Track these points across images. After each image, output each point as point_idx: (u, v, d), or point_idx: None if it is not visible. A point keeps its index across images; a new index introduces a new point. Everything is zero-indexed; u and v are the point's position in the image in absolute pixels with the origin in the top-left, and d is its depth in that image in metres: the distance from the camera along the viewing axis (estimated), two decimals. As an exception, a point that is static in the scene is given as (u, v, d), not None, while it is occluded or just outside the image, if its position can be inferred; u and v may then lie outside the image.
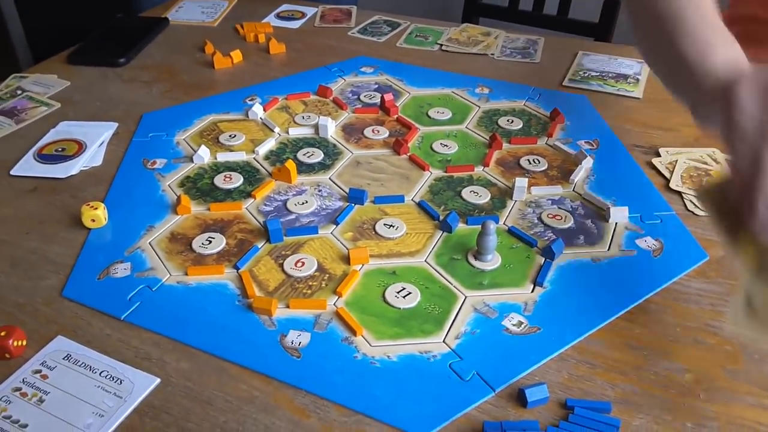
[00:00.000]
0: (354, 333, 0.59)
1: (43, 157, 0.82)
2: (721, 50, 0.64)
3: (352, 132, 0.90)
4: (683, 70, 0.65)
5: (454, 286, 0.65)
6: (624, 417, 0.53)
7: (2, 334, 0.56)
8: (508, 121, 0.93)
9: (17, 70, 1.02)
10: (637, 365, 0.58)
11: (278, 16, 1.24)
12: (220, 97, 0.97)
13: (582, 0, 1.74)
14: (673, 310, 0.63)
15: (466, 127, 0.91)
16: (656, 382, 0.56)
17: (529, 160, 0.84)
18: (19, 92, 0.97)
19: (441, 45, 1.15)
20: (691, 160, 0.85)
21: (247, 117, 0.92)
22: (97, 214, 0.69)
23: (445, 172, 0.82)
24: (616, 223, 0.73)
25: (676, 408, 0.54)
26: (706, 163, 0.84)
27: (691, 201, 0.78)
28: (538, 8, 1.77)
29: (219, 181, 0.78)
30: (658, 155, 0.86)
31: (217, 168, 0.81)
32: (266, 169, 0.81)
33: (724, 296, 0.65)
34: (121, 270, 0.65)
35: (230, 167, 0.81)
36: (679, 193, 0.79)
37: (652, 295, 0.65)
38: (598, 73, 1.06)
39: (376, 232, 0.71)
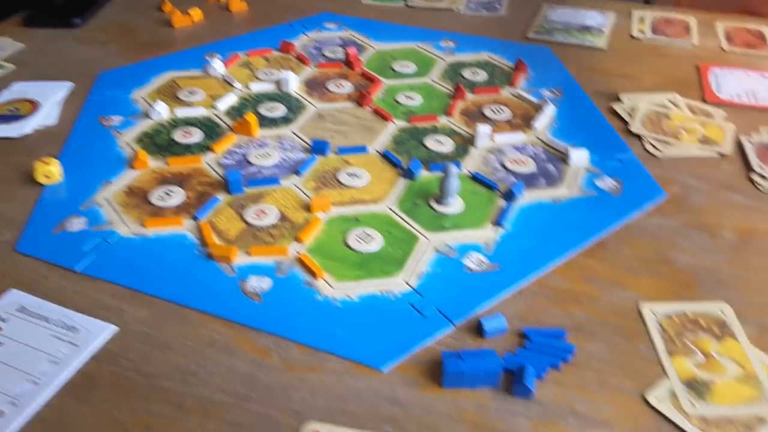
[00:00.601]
0: (315, 276, 0.59)
1: (-3, 118, 0.80)
2: None
3: (315, 86, 0.89)
4: None
5: (417, 230, 0.65)
6: (579, 343, 0.54)
7: (-45, 287, 0.55)
8: (472, 73, 0.92)
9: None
10: (593, 296, 0.59)
11: (239, -25, 1.21)
12: (179, 55, 0.95)
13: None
14: (630, 245, 0.64)
15: (430, 80, 0.91)
16: (611, 310, 0.57)
17: (492, 109, 0.84)
18: (-29, 56, 0.95)
19: (406, 1, 1.14)
20: (651, 105, 0.85)
21: (207, 74, 0.90)
22: (50, 170, 0.68)
23: (409, 122, 0.82)
24: (576, 166, 0.74)
25: (629, 333, 0.55)
26: (665, 107, 0.85)
27: (650, 143, 0.79)
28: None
29: (178, 136, 0.77)
30: (620, 101, 0.86)
31: (176, 123, 0.80)
32: (227, 124, 0.80)
33: (680, 230, 0.66)
34: (77, 224, 0.64)
35: (189, 122, 0.80)
36: (639, 137, 0.80)
37: (610, 232, 0.66)
38: (562, 25, 1.06)
39: (338, 182, 0.71)
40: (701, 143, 0.79)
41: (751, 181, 0.74)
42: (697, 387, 0.51)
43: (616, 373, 0.52)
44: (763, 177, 0.74)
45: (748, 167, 0.75)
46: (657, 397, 0.51)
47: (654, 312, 0.57)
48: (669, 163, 0.76)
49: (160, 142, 0.77)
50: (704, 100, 0.87)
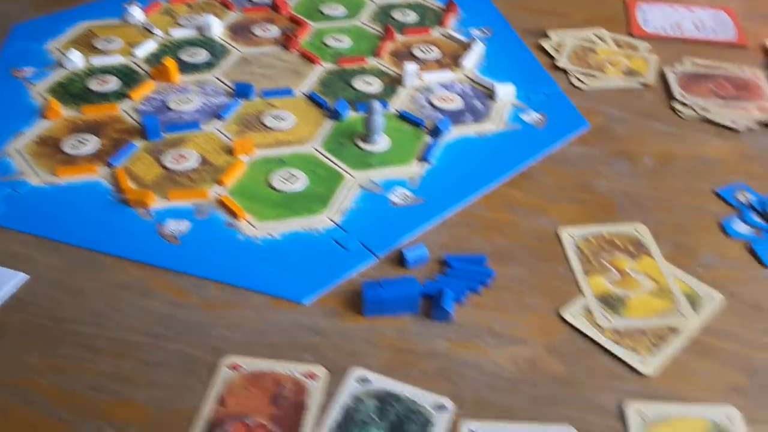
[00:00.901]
0: (237, 217, 0.58)
1: None
2: None
3: (240, 31, 0.86)
4: None
5: (342, 169, 0.65)
6: (499, 268, 0.55)
7: None
8: (402, 14, 0.91)
9: None
10: (515, 223, 0.60)
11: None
12: (96, 5, 0.91)
13: None
14: (553, 174, 0.65)
15: (359, 22, 0.89)
16: (531, 236, 0.58)
17: (421, 49, 0.83)
18: None
19: (335, -54, 1.11)
20: (578, 40, 0.86)
21: (126, 22, 0.87)
22: (-44, 123, 0.65)
23: (337, 64, 0.80)
24: (502, 101, 0.74)
25: (548, 256, 0.56)
26: (592, 42, 0.86)
27: (576, 77, 0.79)
28: None
29: (93, 84, 0.74)
30: (547, 37, 0.86)
31: (92, 72, 0.77)
32: (145, 71, 0.78)
33: (602, 159, 0.67)
34: (-13, 176, 0.62)
35: (106, 71, 0.77)
36: (565, 71, 0.80)
37: (534, 162, 0.66)
38: (493, -34, 1.05)
39: (263, 125, 0.70)
40: (626, 75, 0.80)
41: (673, 109, 0.75)
42: (611, 302, 0.53)
43: (533, 294, 0.53)
44: (684, 105, 0.75)
45: (670, 96, 0.77)
46: (572, 313, 0.52)
47: (572, 235, 0.59)
48: (593, 96, 0.77)
49: (74, 91, 0.74)
50: (631, 34, 0.88)
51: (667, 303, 0.53)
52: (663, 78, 0.80)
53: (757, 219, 0.61)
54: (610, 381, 0.47)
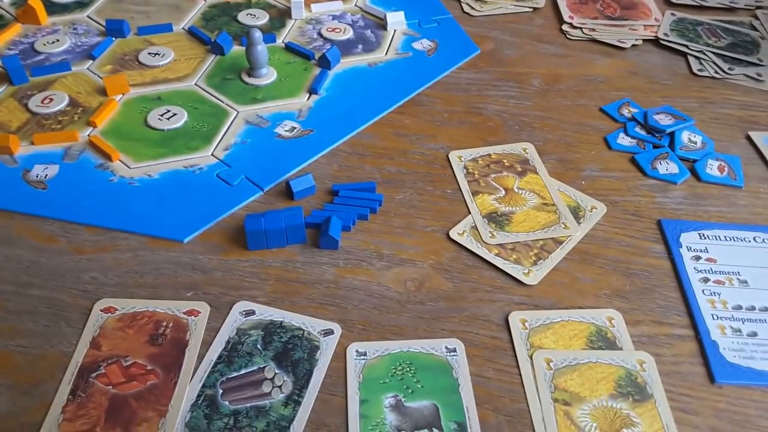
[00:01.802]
0: (110, 159, 0.55)
1: None
2: None
3: (114, -32, 0.80)
4: None
5: (226, 104, 0.62)
6: (388, 193, 0.54)
7: None
8: (291, -53, 0.87)
9: None
10: (404, 149, 0.59)
11: None
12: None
13: None
14: (443, 99, 0.65)
15: (245, -44, 0.85)
16: (421, 161, 0.58)
17: (310, -19, 0.80)
18: None
19: None
20: (469, -34, 0.84)
21: (-15, -38, 0.80)
22: None
23: (221, -1, 0.76)
24: (394, 30, 0.73)
25: (437, 179, 0.56)
26: (483, -33, 0.85)
27: (467, 3, 0.78)
28: None
29: (-51, 29, 0.68)
30: (440, -36, 0.85)
31: (-53, 17, 0.70)
32: (11, 14, 0.71)
33: (491, 83, 0.67)
34: None
35: (-37, 14, 0.71)
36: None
37: (424, 89, 0.66)
38: None
39: (139, 62, 0.66)
40: (516, 0, 0.80)
41: (562, 31, 0.75)
42: (497, 219, 0.53)
43: (422, 216, 0.53)
44: (572, 26, 0.76)
45: (560, 19, 0.77)
46: (459, 231, 0.52)
47: (460, 157, 0.59)
48: (485, 21, 0.76)
49: (-75, 38, 0.67)
50: (522, -41, 0.87)
51: (552, 216, 0.54)
52: (553, 1, 0.80)
53: (640, 131, 0.62)
54: (496, 294, 0.48)
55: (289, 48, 0.69)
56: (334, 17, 0.75)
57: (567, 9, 0.78)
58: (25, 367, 0.41)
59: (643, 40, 0.74)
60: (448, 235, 0.52)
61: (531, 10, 0.78)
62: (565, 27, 0.76)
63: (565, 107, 0.65)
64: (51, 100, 0.60)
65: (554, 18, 0.78)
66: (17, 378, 0.41)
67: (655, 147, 0.61)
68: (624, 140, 0.61)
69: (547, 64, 0.70)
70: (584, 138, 0.62)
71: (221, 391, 0.41)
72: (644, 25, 0.76)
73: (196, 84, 0.64)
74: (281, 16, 0.74)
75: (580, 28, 0.75)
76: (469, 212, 0.54)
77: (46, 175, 0.53)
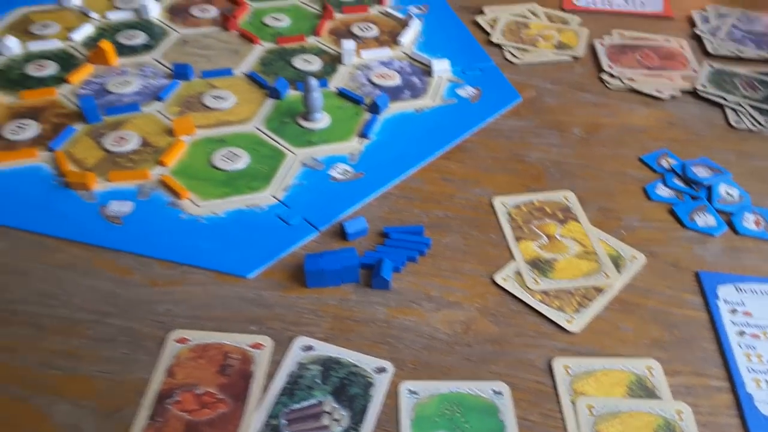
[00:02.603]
0: (179, 197, 0.59)
1: None
2: None
3: (179, 12, 0.86)
4: None
5: (284, 146, 0.66)
6: (435, 237, 0.58)
7: None
8: (342, -7, 0.92)
9: None
10: (450, 194, 0.62)
11: None
12: (29, -11, 0.90)
13: None
14: (487, 146, 0.68)
15: (298, 1, 0.90)
16: (466, 206, 0.61)
17: (360, 27, 0.85)
18: None
19: (275, -76, 1.10)
20: (511, 16, 0.88)
21: (62, 6, 0.86)
22: None
23: (276, 43, 0.81)
24: (439, 77, 0.77)
25: (482, 224, 0.59)
26: (525, 17, 0.88)
27: (509, 51, 0.82)
28: None
29: (31, 70, 0.73)
30: (483, 14, 0.89)
31: (29, 58, 0.76)
32: (83, 55, 0.77)
33: (533, 130, 0.71)
34: None
35: (43, 56, 0.76)
36: (499, 46, 0.83)
37: (468, 136, 0.69)
38: (432, -57, 1.06)
39: (203, 105, 0.71)
40: (557, 49, 0.83)
41: (601, 80, 0.79)
42: (540, 266, 0.56)
43: (468, 260, 0.56)
44: (611, 75, 0.79)
45: (599, 68, 0.80)
46: (503, 277, 0.55)
47: (504, 204, 0.62)
48: (526, 69, 0.80)
49: (12, 77, 0.73)
50: (562, 8, 0.91)
51: (593, 264, 0.56)
52: (593, 50, 0.83)
53: (679, 183, 0.65)
54: (540, 339, 0.50)
55: (341, 93, 0.73)
56: (383, 63, 0.79)
57: (606, 58, 0.81)
58: (106, 391, 0.45)
59: (681, 90, 0.77)
60: (493, 279, 0.55)
61: (571, 59, 0.82)
62: (604, 76, 0.79)
63: (604, 156, 0.68)
64: (123, 139, 0.65)
65: (594, 67, 0.81)
66: (100, 402, 0.44)
67: (693, 199, 0.63)
68: (663, 191, 0.64)
69: (587, 113, 0.74)
70: (624, 187, 0.64)
71: (285, 422, 0.44)
72: (682, 76, 0.79)
73: (255, 127, 0.68)
74: (333, 62, 0.79)
75: (619, 77, 0.78)
76: (513, 258, 0.57)
77: (122, 211, 0.58)
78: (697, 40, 0.86)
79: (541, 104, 0.74)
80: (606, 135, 0.71)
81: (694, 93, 0.77)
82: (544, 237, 0.59)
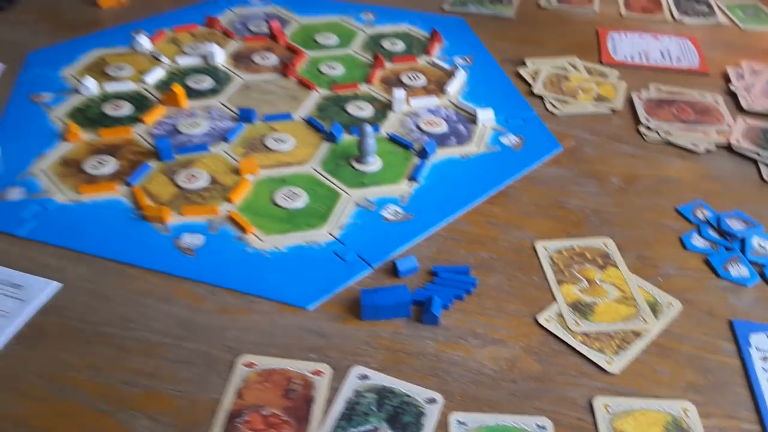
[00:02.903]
0: (245, 232, 0.65)
1: (-76, 98, 0.81)
2: None
3: (242, 59, 0.93)
4: None
5: (339, 187, 0.71)
6: (481, 277, 0.62)
7: None
8: (391, 43, 0.98)
9: None
10: (495, 237, 0.66)
11: (163, -46, 1.23)
12: (106, 33, 0.97)
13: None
14: (529, 192, 0.72)
15: (352, 51, 0.96)
16: (510, 248, 0.65)
17: (409, 76, 0.91)
18: None
19: (328, -24, 1.18)
20: (552, 68, 0.93)
21: (135, 50, 0.93)
22: (-16, 145, 0.71)
23: (331, 90, 0.87)
24: (483, 125, 0.81)
25: (525, 267, 0.63)
26: (565, 70, 0.93)
27: (550, 102, 0.87)
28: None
29: (108, 109, 0.80)
30: (525, 65, 0.94)
31: (105, 98, 0.83)
32: (155, 97, 0.84)
33: (573, 178, 0.75)
34: (15, 194, 0.68)
35: (119, 96, 0.83)
36: (541, 97, 0.88)
37: (512, 182, 0.73)
38: (476, -3, 1.13)
39: (266, 147, 0.76)
40: (596, 101, 0.87)
41: (639, 132, 0.83)
42: (581, 308, 0.60)
43: (512, 300, 0.60)
44: (648, 128, 0.83)
45: (637, 120, 0.84)
46: (546, 318, 0.59)
47: (546, 248, 0.66)
48: (566, 120, 0.84)
49: (91, 116, 0.80)
50: (601, 62, 0.96)
51: (631, 309, 0.60)
52: (630, 103, 0.88)
53: (713, 234, 0.68)
54: (581, 378, 0.53)
55: (392, 138, 0.79)
56: (430, 111, 0.84)
57: (644, 112, 0.86)
58: (182, 409, 0.49)
59: (716, 145, 0.80)
60: (536, 319, 0.58)
61: (610, 111, 0.86)
62: (641, 128, 0.83)
63: (642, 205, 0.71)
64: (194, 177, 0.70)
65: (631, 119, 0.85)
66: (177, 419, 0.49)
67: (727, 250, 0.66)
68: (698, 241, 0.67)
69: (625, 164, 0.77)
70: (661, 236, 0.68)
71: (344, 444, 0.48)
72: (717, 131, 0.83)
73: (313, 168, 0.73)
74: (384, 109, 0.84)
75: (656, 130, 0.82)
76: (555, 300, 0.60)
77: (194, 243, 0.63)
78: (732, 96, 0.90)
79: (581, 154, 0.78)
80: (643, 185, 0.74)
81: (728, 147, 0.80)
82: (585, 281, 0.62)
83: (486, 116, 0.82)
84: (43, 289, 0.57)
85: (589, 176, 0.75)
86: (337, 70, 0.91)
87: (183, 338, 0.55)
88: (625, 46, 1.00)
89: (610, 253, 0.65)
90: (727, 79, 0.93)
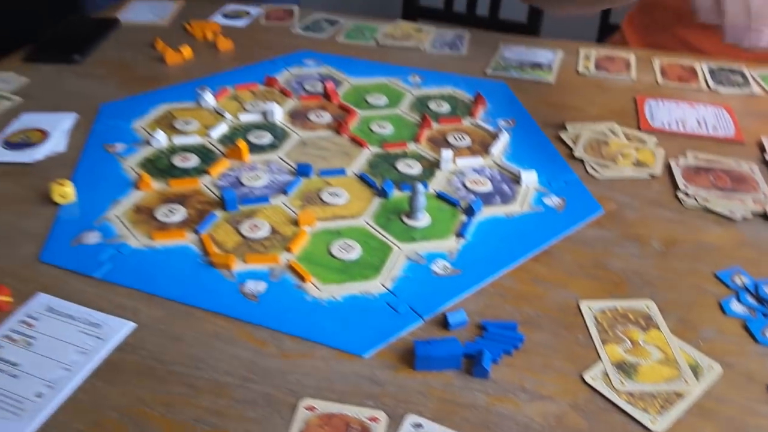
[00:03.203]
0: (304, 280, 0.69)
1: (10, 145, 0.88)
2: None
3: (298, 116, 0.99)
4: None
5: (390, 241, 0.75)
6: (528, 333, 0.64)
7: (-12, 291, 0.63)
8: (437, 105, 1.04)
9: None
10: (540, 295, 0.69)
11: (225, 15, 1.32)
12: (173, 89, 1.05)
13: (512, 1, 1.88)
14: (572, 253, 0.75)
15: (400, 111, 1.02)
16: (554, 306, 0.68)
17: (455, 136, 0.96)
18: (-22, 89, 1.03)
19: (377, 40, 1.25)
20: (592, 133, 0.98)
21: (200, 105, 1.00)
22: (65, 191, 0.77)
23: (382, 148, 0.92)
24: (527, 186, 0.85)
25: (570, 325, 0.66)
26: (605, 135, 0.98)
27: (591, 166, 0.91)
28: (471, 9, 1.91)
29: (176, 161, 0.86)
30: (565, 129, 0.99)
31: (174, 150, 0.89)
32: (220, 150, 0.90)
33: (615, 240, 0.78)
34: (92, 237, 0.73)
35: (186, 149, 0.89)
36: (581, 161, 0.92)
37: (555, 242, 0.77)
38: (517, 63, 1.19)
39: (321, 200, 0.81)
40: (635, 166, 0.91)
41: (677, 198, 0.86)
42: (625, 368, 0.62)
43: (558, 357, 0.63)
44: (686, 195, 0.86)
45: (675, 186, 0.88)
46: (592, 376, 0.61)
47: (590, 307, 0.68)
48: (607, 183, 0.88)
49: (161, 167, 0.86)
50: (639, 128, 1.00)
51: (673, 371, 0.62)
52: (668, 169, 0.91)
53: (751, 300, 0.70)
54: (625, 435, 0.56)
55: (439, 196, 0.83)
56: (475, 170, 0.88)
57: (682, 178, 0.89)
58: (249, 447, 0.53)
59: (752, 213, 0.83)
60: (582, 377, 0.61)
61: (649, 177, 0.89)
62: (680, 194, 0.86)
63: (682, 270, 0.74)
64: (256, 227, 0.75)
65: (670, 185, 0.88)
66: (244, 456, 0.52)
67: (765, 316, 0.68)
68: (737, 307, 0.69)
69: (664, 228, 0.80)
70: (701, 300, 0.70)
71: (401, 489, 0.50)
72: (753, 199, 0.85)
73: (365, 221, 0.78)
74: (431, 167, 0.89)
75: (694, 197, 0.85)
76: (600, 359, 0.63)
77: (257, 290, 0.67)
78: (767, 165, 0.93)
79: (622, 217, 0.82)
80: (682, 250, 0.77)
81: (764, 215, 0.83)
82: (629, 342, 0.65)
83: (529, 177, 0.86)
84: (120, 329, 0.62)
85: (630, 239, 0.78)
86: (387, 129, 0.96)
87: (248, 380, 0.58)
88: (662, 113, 1.04)
89: (652, 315, 0.68)
90: (762, 149, 0.96)
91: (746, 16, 0.87)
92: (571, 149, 0.94)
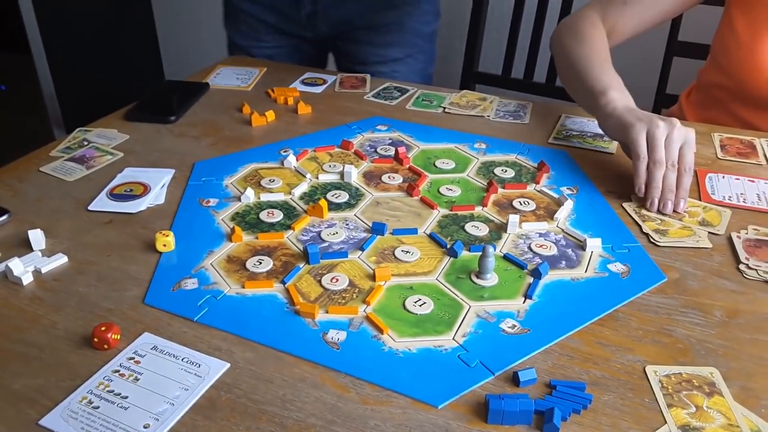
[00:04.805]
0: (381, 332, 0.74)
1: (115, 196, 0.98)
2: (615, 88, 1.12)
3: (372, 178, 1.06)
4: (591, 98, 1.13)
5: (461, 298, 0.80)
6: (595, 394, 0.67)
7: (103, 329, 0.70)
8: (502, 170, 1.10)
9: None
10: (607, 357, 0.72)
11: (303, 82, 1.43)
12: (258, 149, 1.14)
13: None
14: (637, 318, 0.78)
15: (467, 175, 1.08)
16: (621, 369, 0.71)
17: (520, 201, 1.01)
18: (85, 143, 1.14)
19: (444, 108, 1.33)
20: (654, 203, 1.01)
21: (283, 165, 1.09)
22: (168, 240, 0.85)
23: (451, 210, 0.98)
24: (591, 252, 0.89)
25: (636, 388, 0.69)
26: (667, 205, 1.01)
27: (652, 234, 0.94)
28: (528, 76, 1.99)
29: (263, 216, 0.94)
30: (629, 200, 1.02)
31: (261, 206, 0.97)
32: (301, 207, 0.97)
33: (678, 308, 0.80)
34: (190, 284, 0.80)
35: (272, 205, 0.97)
36: (644, 232, 0.95)
37: (619, 307, 0.80)
38: (578, 132, 1.24)
39: (395, 257, 0.87)
40: (700, 225, 0.94)
41: (738, 270, 0.88)
42: (690, 432, 0.64)
43: (625, 419, 0.65)
44: (748, 267, 0.88)
45: (736, 258, 0.90)
46: (658, 438, 0.63)
47: (656, 372, 0.71)
48: (669, 252, 0.91)
49: (249, 221, 0.94)
50: (700, 200, 1.03)
51: (738, 437, 0.63)
52: (730, 241, 0.93)
53: (817, 372, 0.71)
54: (691, 498, 0.57)
55: (506, 258, 0.88)
56: (541, 235, 0.93)
57: (743, 251, 0.91)
58: (334, 485, 0.57)
59: (818, 287, 0.84)
60: (647, 438, 0.63)
61: (710, 247, 0.92)
62: (741, 267, 0.88)
63: (744, 339, 0.76)
64: (336, 280, 0.81)
65: (731, 256, 0.90)
66: (330, 492, 0.56)
67: (834, 389, 0.69)
68: (803, 378, 0.70)
69: (726, 298, 0.82)
70: (762, 370, 0.72)
71: None
72: (818, 273, 0.87)
73: (437, 279, 0.83)
74: (498, 230, 0.94)
75: (756, 270, 0.87)
76: (666, 422, 0.65)
77: (338, 338, 0.73)
78: (832, 240, 0.94)
79: (685, 286, 0.84)
80: (745, 321, 0.79)
81: (830, 289, 0.84)
82: (693, 407, 0.67)
83: (594, 244, 0.90)
84: (216, 368, 0.68)
85: (693, 307, 0.81)
86: (455, 193, 1.02)
87: (332, 422, 0.63)
88: (722, 187, 1.07)
89: (716, 382, 0.70)
90: (826, 224, 0.98)
91: None
92: (631, 217, 0.98)
